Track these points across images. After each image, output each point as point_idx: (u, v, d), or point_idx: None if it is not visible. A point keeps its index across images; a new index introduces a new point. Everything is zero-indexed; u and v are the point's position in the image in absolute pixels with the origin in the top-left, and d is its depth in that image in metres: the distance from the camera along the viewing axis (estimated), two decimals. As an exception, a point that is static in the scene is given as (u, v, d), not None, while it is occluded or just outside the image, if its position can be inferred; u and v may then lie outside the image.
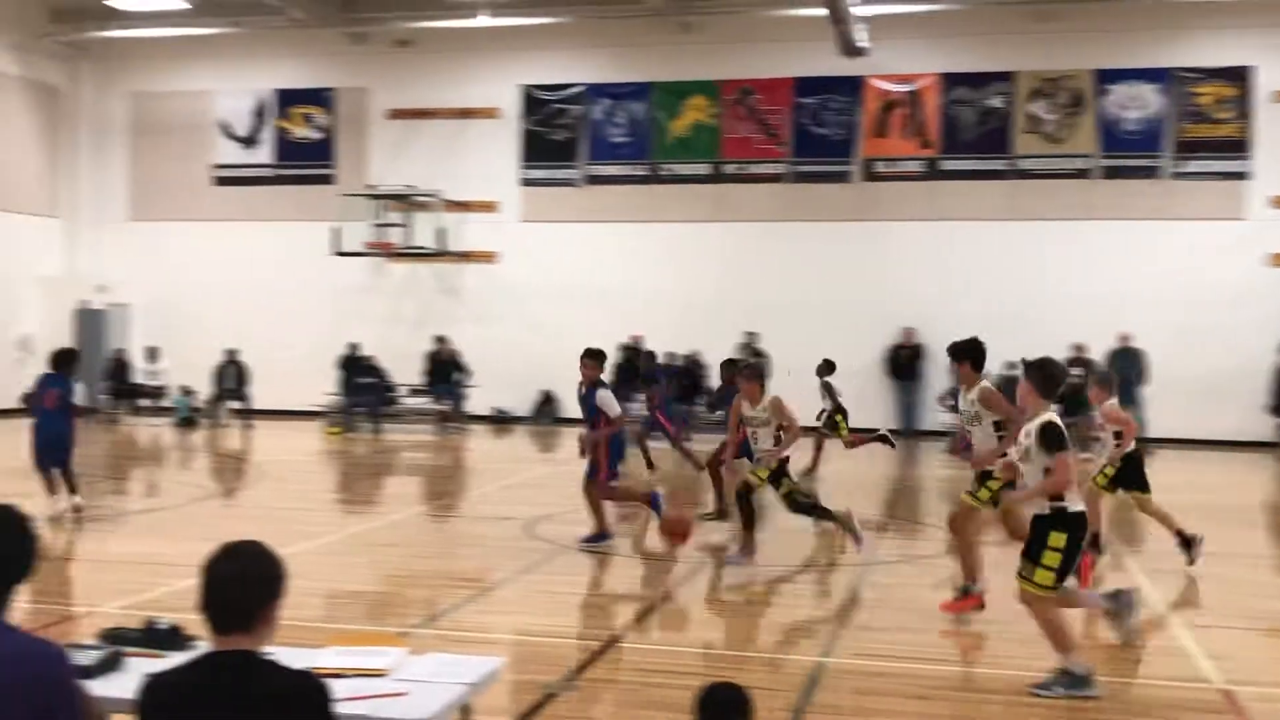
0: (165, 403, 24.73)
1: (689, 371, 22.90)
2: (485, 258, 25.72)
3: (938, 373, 23.15)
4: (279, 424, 23.92)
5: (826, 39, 21.47)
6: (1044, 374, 6.73)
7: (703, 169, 25.00)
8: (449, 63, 25.80)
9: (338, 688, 3.10)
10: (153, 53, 26.54)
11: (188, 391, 24.54)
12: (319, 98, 26.59)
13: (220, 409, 24.32)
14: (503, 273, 25.56)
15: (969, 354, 8.37)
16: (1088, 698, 6.49)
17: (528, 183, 25.70)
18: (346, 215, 24.55)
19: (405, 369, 24.07)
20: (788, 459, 10.45)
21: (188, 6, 24.28)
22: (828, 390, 15.67)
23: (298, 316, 25.90)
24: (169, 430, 23.01)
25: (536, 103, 25.63)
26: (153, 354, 25.26)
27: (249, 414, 23.96)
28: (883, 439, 15.59)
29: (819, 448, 16.27)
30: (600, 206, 25.29)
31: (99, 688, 3.60)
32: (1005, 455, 7.70)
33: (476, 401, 24.19)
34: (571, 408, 25.09)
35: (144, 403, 25.02)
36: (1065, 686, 6.56)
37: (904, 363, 23.49)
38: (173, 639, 4.08)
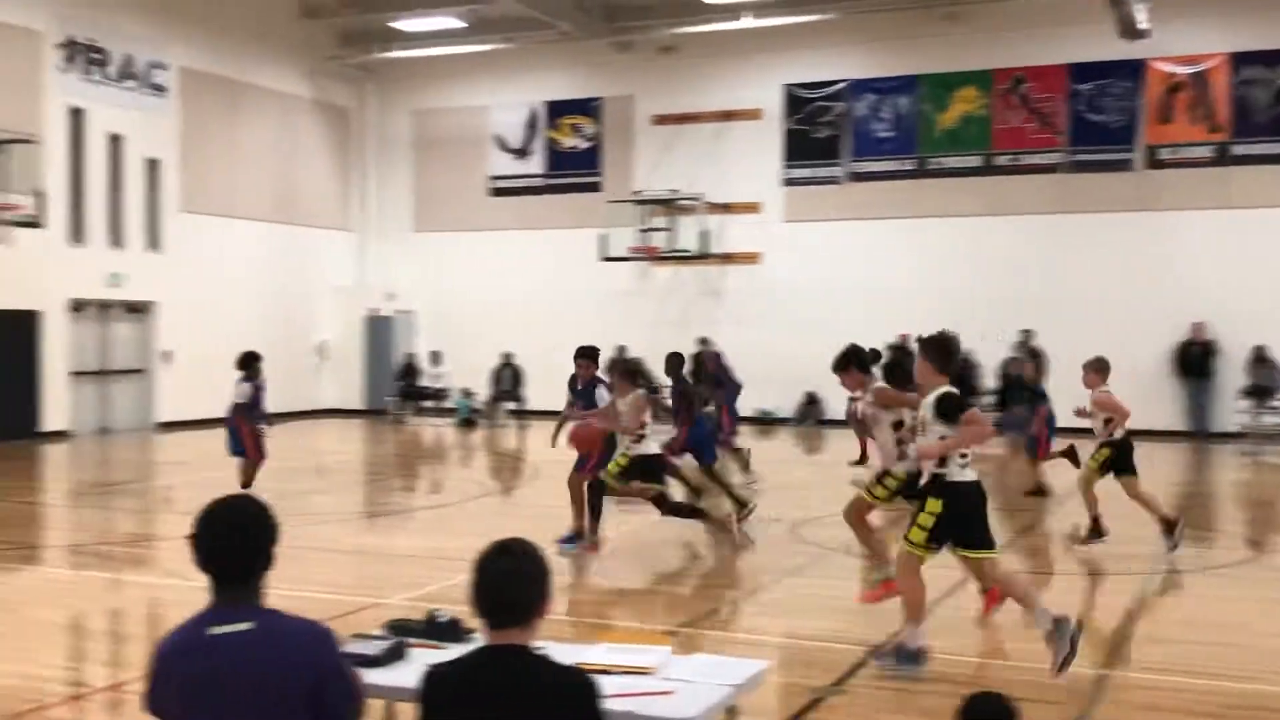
0: (447, 404, 25.94)
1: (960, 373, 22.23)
2: (748, 259, 25.78)
3: (1232, 370, 21.72)
4: (553, 425, 24.65)
5: (1103, 22, 20.47)
6: (939, 350, 6.95)
7: (973, 161, 24.29)
8: (711, 66, 26.00)
9: (605, 684, 3.15)
10: (432, 71, 27.89)
11: (468, 393, 25.66)
12: (586, 107, 27.31)
13: (498, 410, 25.32)
14: (765, 273, 25.56)
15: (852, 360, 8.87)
16: (914, 676, 6.73)
17: (790, 182, 25.61)
18: (613, 221, 25.12)
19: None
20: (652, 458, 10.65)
21: (464, 25, 25.43)
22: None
23: (568, 320, 26.63)
24: (451, 430, 24.11)
25: (799, 101, 25.51)
26: (435, 358, 26.55)
27: (524, 415, 24.83)
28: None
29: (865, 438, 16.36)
30: (864, 204, 24.94)
31: (383, 677, 3.79)
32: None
33: (740, 403, 24.25)
34: (837, 409, 24.89)
35: (428, 404, 26.33)
36: (897, 660, 6.88)
37: (1194, 360, 22.13)
38: (453, 631, 4.25)
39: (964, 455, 6.78)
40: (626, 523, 13.06)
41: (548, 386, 25.68)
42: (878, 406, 8.44)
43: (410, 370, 26.73)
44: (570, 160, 27.44)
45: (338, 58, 27.72)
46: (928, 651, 6.88)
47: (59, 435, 21.25)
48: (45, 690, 6.71)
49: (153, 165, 23.78)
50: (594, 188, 27.00)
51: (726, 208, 25.66)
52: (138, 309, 23.70)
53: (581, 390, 11.35)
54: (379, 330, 27.90)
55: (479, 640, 4.09)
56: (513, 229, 27.59)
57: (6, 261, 18.92)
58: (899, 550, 7.01)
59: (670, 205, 25.38)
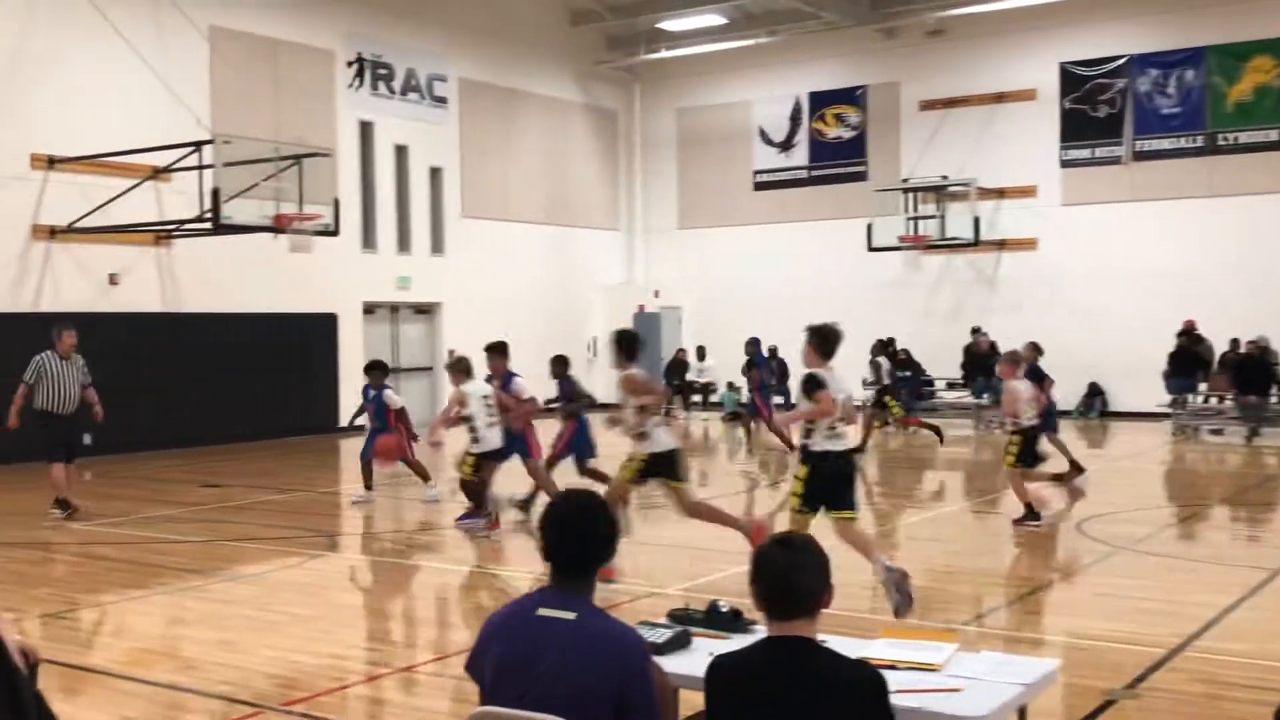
0: (713, 398, 26.16)
1: (1259, 362, 20.76)
2: (1023, 245, 24.89)
3: None
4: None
5: None
6: (822, 337, 8.13)
7: (1271, 135, 22.66)
8: (982, 48, 25.23)
9: (890, 679, 3.11)
10: (695, 69, 28.18)
11: (733, 387, 25.79)
12: (851, 96, 26.98)
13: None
14: (1042, 259, 24.61)
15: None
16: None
17: (1068, 164, 24.57)
18: (880, 211, 24.73)
19: (941, 362, 23.83)
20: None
21: (726, 22, 25.57)
22: (876, 369, 16.90)
23: (835, 313, 26.12)
24: (717, 424, 24.29)
25: (1075, 80, 24.43)
26: (701, 353, 26.81)
27: (790, 408, 24.71)
28: (935, 430, 17.44)
29: (869, 426, 17.37)
30: (1149, 184, 23.66)
31: (667, 664, 3.85)
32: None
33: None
34: (1122, 401, 23.70)
35: (695, 398, 26.62)
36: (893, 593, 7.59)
37: None
38: (735, 622, 4.28)
39: (831, 429, 7.84)
40: (889, 520, 12.87)
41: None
42: (626, 392, 9.16)
43: (678, 365, 27.09)
44: (834, 150, 27.17)
45: (605, 61, 28.38)
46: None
47: (357, 429, 22.61)
48: (347, 669, 7.16)
49: (435, 173, 25.00)
50: (859, 177, 26.66)
51: (1000, 193, 24.84)
52: (424, 310, 24.98)
53: (500, 387, 11.90)
54: (647, 326, 28.37)
55: (761, 631, 4.11)
56: (776, 222, 27.57)
57: (308, 268, 20.28)
58: (790, 518, 7.91)
59: (940, 192, 24.78)
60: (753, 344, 19.67)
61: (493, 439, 11.71)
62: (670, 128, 29.46)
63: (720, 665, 3.19)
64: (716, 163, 28.61)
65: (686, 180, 29.27)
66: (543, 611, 3.23)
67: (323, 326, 22.41)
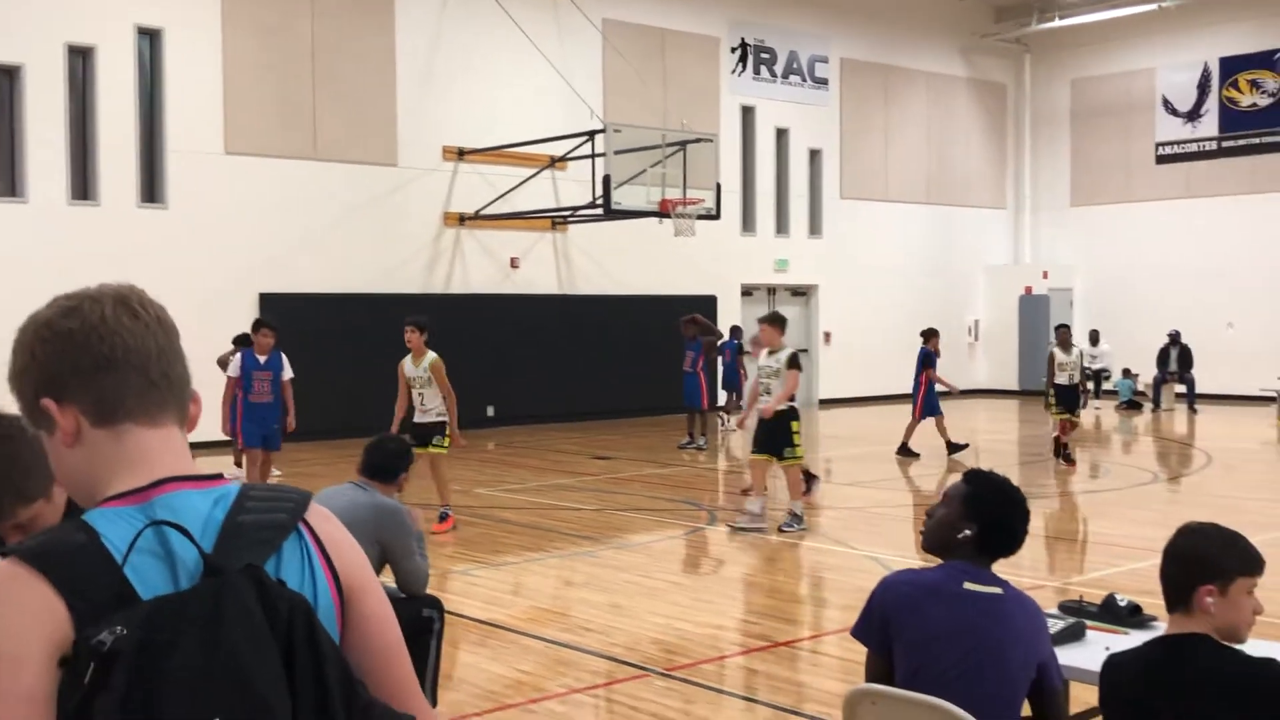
0: (1107, 385, 24.74)
1: None
2: None
3: None
4: (1226, 409, 22.71)
5: None
6: (779, 320, 10.91)
7: None
8: None
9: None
10: (1090, 38, 26.69)
11: (1130, 374, 24.31)
12: (1268, 61, 24.71)
13: (1163, 392, 23.72)
14: None
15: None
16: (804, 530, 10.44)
17: None
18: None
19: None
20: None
21: (1126, -15, 24.04)
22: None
23: (1248, 295, 24.38)
24: (1112, 413, 22.99)
25: None
26: (1094, 337, 25.41)
27: (1193, 398, 23.05)
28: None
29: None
30: None
31: (1061, 656, 3.68)
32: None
33: None
34: None
35: (1088, 385, 25.25)
36: (798, 524, 10.59)
37: None
38: (1133, 616, 4.05)
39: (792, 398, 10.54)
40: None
41: (1220, 367, 23.68)
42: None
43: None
44: (1249, 119, 24.98)
45: (992, 34, 27.40)
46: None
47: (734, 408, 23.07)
48: (726, 640, 7.32)
49: (814, 155, 25.03)
50: (1276, 148, 24.39)
51: None
52: (801, 292, 25.10)
53: (265, 363, 11.54)
54: (1034, 309, 27.24)
55: (1160, 627, 3.86)
56: (1180, 198, 25.69)
57: (691, 251, 20.85)
58: (791, 464, 10.65)
59: (1374, 162, 22.26)
60: (705, 329, 18.29)
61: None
62: (1063, 100, 28.04)
63: (1115, 663, 3.08)
64: (1114, 136, 26.98)
65: (1080, 155, 27.78)
66: (970, 586, 3.32)
67: (704, 308, 22.95)
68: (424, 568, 5.42)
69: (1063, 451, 15.22)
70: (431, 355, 10.58)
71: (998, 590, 3.31)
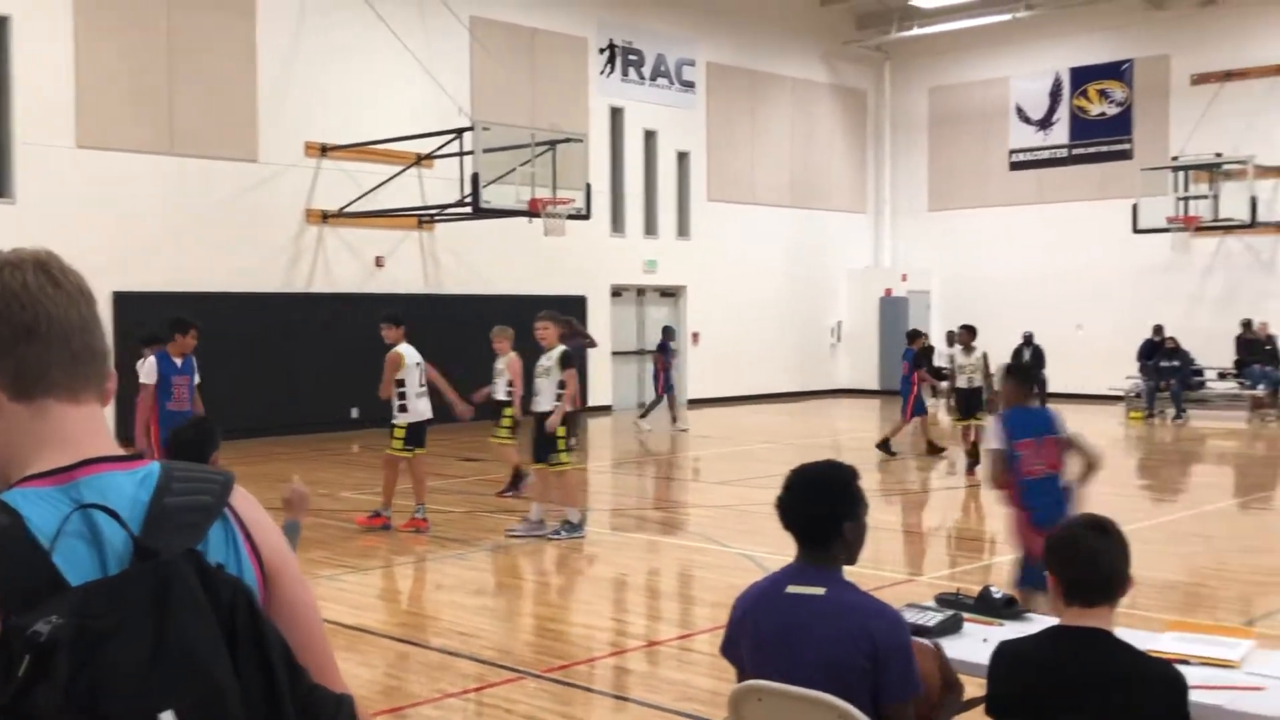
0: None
1: None
2: (1307, 227, 23.17)
3: None
4: (1077, 407, 23.51)
5: None
6: (558, 319, 10.90)
7: None
8: (1261, 17, 23.63)
9: (1184, 675, 2.92)
10: (948, 47, 27.41)
11: (988, 375, 24.98)
12: (1115, 71, 25.71)
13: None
14: (1329, 242, 22.86)
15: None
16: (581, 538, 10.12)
17: (1361, 139, 22.73)
18: (1147, 191, 23.47)
19: (1212, 351, 22.48)
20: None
21: (982, -4, 24.76)
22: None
23: (1095, 298, 25.31)
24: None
25: (1371, 47, 22.55)
26: (950, 338, 26.05)
27: (1045, 397, 23.79)
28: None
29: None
30: None
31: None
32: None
33: (1298, 386, 21.85)
34: None
35: (943, 385, 25.91)
36: (568, 531, 10.17)
37: None
38: (1009, 609, 4.14)
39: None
40: (1154, 515, 12.25)
41: (1070, 367, 24.53)
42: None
43: (923, 351, 26.39)
44: (1097, 128, 25.96)
45: (854, 41, 27.94)
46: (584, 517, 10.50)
47: (603, 409, 23.10)
48: (599, 641, 7.29)
49: (682, 157, 25.19)
50: (1124, 156, 25.39)
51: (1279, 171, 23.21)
52: (669, 293, 25.23)
53: (182, 366, 10.76)
54: (893, 311, 27.86)
55: (1034, 619, 3.95)
56: (1033, 203, 26.56)
57: (560, 251, 20.78)
58: (561, 470, 10.36)
59: (1214, 170, 23.30)
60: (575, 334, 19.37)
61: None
62: (921, 107, 28.75)
63: (1009, 653, 3.08)
64: (970, 142, 27.77)
65: (938, 161, 28.52)
66: (792, 589, 3.20)
67: (573, 308, 22.90)
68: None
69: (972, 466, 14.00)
70: (396, 349, 10.92)
71: (819, 591, 3.16)
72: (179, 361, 10.33)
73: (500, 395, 12.17)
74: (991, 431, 6.35)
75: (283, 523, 5.14)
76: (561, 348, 10.43)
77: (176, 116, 17.88)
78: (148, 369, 10.17)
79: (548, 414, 10.24)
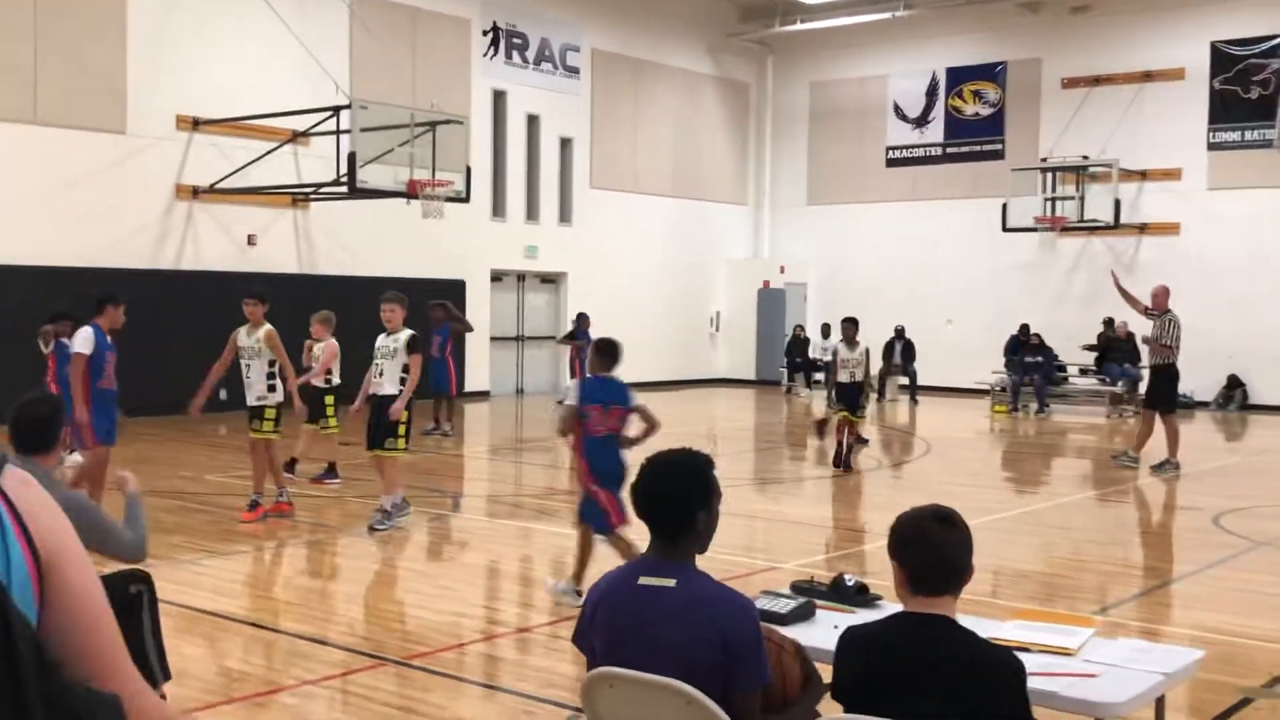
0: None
1: None
2: (1165, 229, 24.07)
3: None
4: (945, 401, 24.11)
5: None
6: (403, 300, 10.05)
7: None
8: (1128, 25, 24.41)
9: (1023, 661, 3.01)
10: (830, 42, 27.80)
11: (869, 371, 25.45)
12: (990, 73, 26.36)
13: (887, 383, 24.96)
14: (1185, 245, 23.76)
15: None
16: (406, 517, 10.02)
17: (1216, 146, 23.66)
18: (1016, 191, 24.14)
19: (1075, 349, 23.23)
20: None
21: (863, -6, 25.14)
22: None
23: (965, 294, 25.95)
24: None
25: (1227, 59, 23.48)
26: (825, 330, 26.49)
27: (915, 389, 24.38)
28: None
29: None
30: (1304, 169, 22.64)
31: (791, 635, 3.78)
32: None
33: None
34: (1264, 394, 22.81)
35: (818, 377, 26.34)
36: (388, 519, 9.83)
37: None
38: (861, 596, 4.21)
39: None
40: (1015, 506, 12.60)
41: (941, 361, 25.13)
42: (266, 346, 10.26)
43: (800, 342, 26.84)
44: (971, 128, 26.59)
45: (738, 34, 28.15)
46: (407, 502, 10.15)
47: (481, 395, 22.96)
48: (466, 628, 7.26)
49: (565, 143, 25.12)
50: (996, 156, 26.06)
51: (1143, 175, 24.05)
52: (550, 279, 25.16)
53: (112, 343, 10.20)
54: (771, 302, 28.21)
55: (886, 606, 4.03)
56: (908, 200, 27.11)
57: (438, 235, 20.56)
58: (393, 458, 9.95)
59: (1080, 173, 24.06)
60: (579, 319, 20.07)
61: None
62: (802, 102, 29.12)
63: (854, 638, 3.13)
64: (849, 138, 28.21)
65: (817, 156, 28.92)
66: (644, 580, 3.19)
67: (452, 293, 22.69)
68: (132, 537, 4.94)
69: (843, 459, 14.01)
70: (267, 326, 10.42)
71: (670, 583, 3.15)
72: (110, 338, 9.45)
73: (318, 382, 12.08)
74: (571, 391, 7.77)
75: (125, 502, 5.04)
76: (409, 331, 9.91)
77: (41, 84, 17.24)
78: (83, 338, 9.24)
79: (390, 398, 9.78)
